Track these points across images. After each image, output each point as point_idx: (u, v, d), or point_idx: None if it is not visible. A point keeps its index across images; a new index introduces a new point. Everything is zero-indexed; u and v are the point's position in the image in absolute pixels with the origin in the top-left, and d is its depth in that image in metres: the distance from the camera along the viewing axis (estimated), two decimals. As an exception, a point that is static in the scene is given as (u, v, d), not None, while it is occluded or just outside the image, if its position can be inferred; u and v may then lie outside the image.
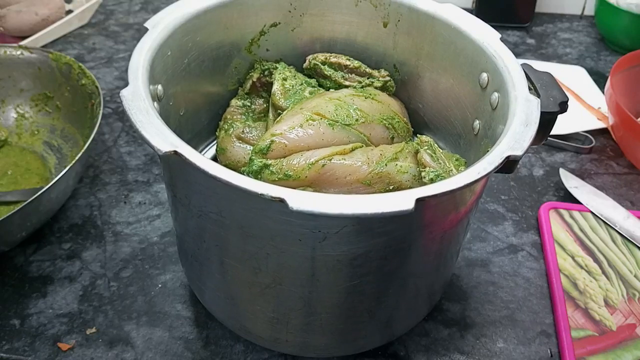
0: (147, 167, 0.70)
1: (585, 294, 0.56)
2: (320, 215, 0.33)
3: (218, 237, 0.42)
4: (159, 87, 0.45)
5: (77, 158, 0.56)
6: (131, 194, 0.66)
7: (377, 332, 0.48)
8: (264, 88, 0.56)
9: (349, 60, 0.55)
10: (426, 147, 0.46)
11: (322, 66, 0.55)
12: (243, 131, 0.53)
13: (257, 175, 0.45)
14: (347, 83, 0.54)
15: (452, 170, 0.45)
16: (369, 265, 0.40)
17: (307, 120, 0.47)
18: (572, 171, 0.71)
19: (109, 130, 0.75)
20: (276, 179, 0.44)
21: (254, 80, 0.55)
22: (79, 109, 0.68)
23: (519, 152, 0.37)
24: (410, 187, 0.44)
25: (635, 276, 0.58)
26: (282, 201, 0.33)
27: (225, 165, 0.38)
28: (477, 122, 0.49)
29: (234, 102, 0.56)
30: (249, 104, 0.56)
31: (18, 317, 0.53)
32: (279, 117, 0.49)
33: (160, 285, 0.56)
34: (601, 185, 0.69)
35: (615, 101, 0.69)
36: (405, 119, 0.53)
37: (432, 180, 0.43)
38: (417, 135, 0.49)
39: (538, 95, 0.42)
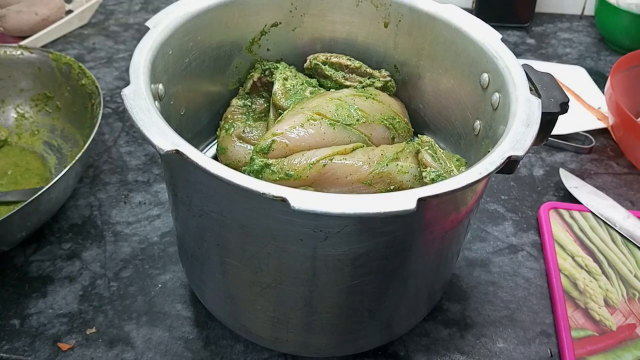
0: (147, 167, 0.69)
1: (585, 294, 0.56)
2: (322, 214, 0.33)
3: (219, 237, 0.42)
4: (160, 86, 0.45)
5: (77, 158, 0.56)
6: (131, 194, 0.66)
7: (377, 332, 0.48)
8: (265, 88, 0.56)
9: (350, 60, 0.55)
10: (427, 147, 0.46)
11: (322, 66, 0.55)
12: (244, 131, 0.53)
13: (258, 174, 0.45)
14: (347, 83, 0.54)
15: (453, 170, 0.45)
16: (369, 265, 0.40)
17: (308, 120, 0.47)
18: (572, 171, 0.71)
19: (109, 130, 0.75)
20: (277, 178, 0.44)
21: (255, 80, 0.55)
22: (79, 109, 0.68)
23: (520, 153, 0.37)
24: (411, 187, 0.44)
25: (635, 276, 0.58)
26: (283, 200, 0.33)
27: (226, 165, 0.38)
28: (478, 122, 0.49)
29: (234, 101, 0.56)
30: (249, 103, 0.56)
31: (18, 317, 0.53)
32: (280, 117, 0.49)
33: (160, 285, 0.56)
34: (601, 185, 0.69)
35: (615, 101, 0.69)
36: (405, 119, 0.53)
37: (433, 181, 0.43)
38: (418, 135, 0.49)
39: (539, 96, 0.43)
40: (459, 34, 0.49)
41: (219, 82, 0.55)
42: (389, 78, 0.55)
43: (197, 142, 0.56)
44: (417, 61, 0.54)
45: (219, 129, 0.55)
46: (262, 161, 0.45)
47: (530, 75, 0.44)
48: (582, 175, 0.71)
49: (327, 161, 0.44)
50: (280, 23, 0.55)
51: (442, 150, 0.47)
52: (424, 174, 0.44)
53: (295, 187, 0.36)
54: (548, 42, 0.98)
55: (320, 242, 0.38)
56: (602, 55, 0.95)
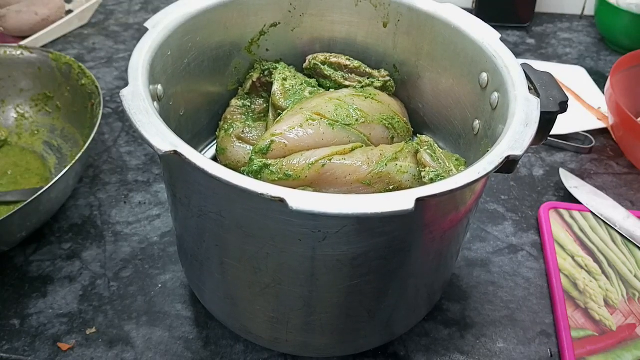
0: (147, 167, 0.70)
1: (585, 294, 0.56)
2: (321, 215, 0.33)
3: (218, 237, 0.42)
4: (159, 87, 0.45)
5: (77, 158, 0.56)
6: (131, 194, 0.66)
7: (377, 332, 0.48)
8: (264, 88, 0.56)
9: (349, 60, 0.55)
10: (426, 147, 0.46)
11: (322, 66, 0.55)
12: (243, 131, 0.53)
13: (257, 175, 0.45)
14: (347, 83, 0.54)
15: (452, 170, 0.45)
16: (369, 265, 0.40)
17: (307, 120, 0.47)
18: (572, 171, 0.71)
19: (109, 130, 0.75)
20: (276, 178, 0.44)
21: (254, 80, 0.55)
22: (79, 109, 0.68)
23: (519, 152, 0.37)
24: (410, 187, 0.44)
25: (635, 276, 0.58)
26: (282, 201, 0.33)
27: (225, 166, 0.38)
28: (477, 122, 0.49)
29: (234, 102, 0.56)
30: (249, 104, 0.56)
31: (18, 317, 0.53)
32: (279, 117, 0.49)
33: (160, 285, 0.56)
34: (601, 185, 0.69)
35: (615, 101, 0.69)
36: (405, 119, 0.53)
37: (432, 180, 0.43)
38: (417, 135, 0.49)
39: (538, 95, 0.42)
40: (458, 33, 0.49)
41: (218, 83, 0.55)
42: (388, 78, 0.55)
43: (197, 142, 0.56)
44: (417, 61, 0.54)
45: (218, 130, 0.55)
46: (261, 162, 0.45)
47: (530, 75, 0.44)
48: (582, 175, 0.71)
49: (326, 161, 0.44)
50: (279, 23, 0.55)
51: (441, 150, 0.47)
52: (423, 173, 0.44)
53: (295, 188, 0.36)
54: (548, 42, 0.97)
55: (319, 243, 0.38)
56: (602, 55, 0.95)
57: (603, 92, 0.79)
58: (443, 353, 0.52)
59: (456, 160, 0.47)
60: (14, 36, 0.89)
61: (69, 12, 0.95)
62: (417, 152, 0.46)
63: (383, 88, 0.54)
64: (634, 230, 0.62)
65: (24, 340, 0.52)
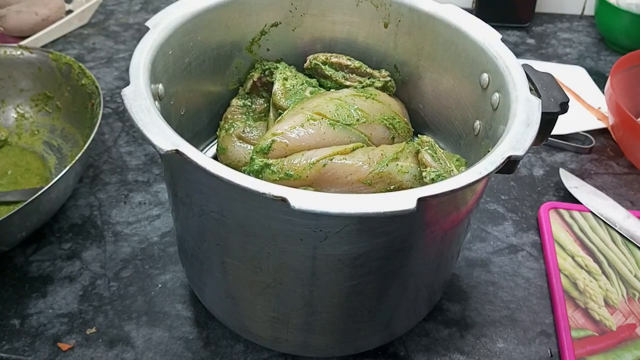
0: (147, 167, 0.70)
1: (585, 294, 0.56)
2: (322, 214, 0.33)
3: (219, 237, 0.42)
4: (160, 86, 0.45)
5: (77, 158, 0.56)
6: (131, 194, 0.66)
7: (377, 332, 0.48)
8: (265, 88, 0.56)
9: (350, 60, 0.55)
10: (427, 147, 0.46)
11: (322, 66, 0.55)
12: (244, 131, 0.53)
13: (258, 174, 0.45)
14: (347, 83, 0.54)
15: (453, 170, 0.45)
16: (369, 264, 0.40)
17: (308, 120, 0.47)
18: (572, 171, 0.71)
19: (109, 130, 0.75)
20: (277, 178, 0.44)
21: (255, 80, 0.55)
22: (79, 109, 0.68)
23: (520, 153, 0.37)
24: (411, 187, 0.44)
25: (635, 276, 0.58)
26: (284, 200, 0.33)
27: (226, 165, 0.38)
28: (478, 122, 0.49)
29: (234, 101, 0.56)
30: (249, 103, 0.56)
31: (18, 317, 0.53)
32: (280, 117, 0.49)
33: (160, 285, 0.56)
34: (601, 185, 0.69)
35: (615, 101, 0.69)
36: (405, 119, 0.53)
37: (433, 180, 0.43)
38: (418, 135, 0.49)
39: (539, 96, 0.43)
40: (459, 34, 0.49)
41: (219, 82, 0.55)
42: (389, 78, 0.55)
43: (197, 142, 0.56)
44: (417, 61, 0.54)
45: (219, 129, 0.55)
46: (262, 161, 0.45)
47: (530, 75, 0.44)
48: (582, 175, 0.71)
49: (327, 161, 0.44)
50: (280, 23, 0.55)
51: (442, 150, 0.47)
52: (424, 174, 0.44)
53: (296, 187, 0.36)
54: (548, 42, 0.98)
55: (320, 242, 0.38)
56: (602, 55, 0.95)
57: (603, 92, 0.79)
58: (443, 353, 0.52)
59: (457, 160, 0.47)
60: (14, 36, 0.89)
61: (69, 12, 0.95)
62: (417, 152, 0.46)
63: (384, 88, 0.54)
64: (634, 230, 0.62)
65: (24, 340, 0.52)
